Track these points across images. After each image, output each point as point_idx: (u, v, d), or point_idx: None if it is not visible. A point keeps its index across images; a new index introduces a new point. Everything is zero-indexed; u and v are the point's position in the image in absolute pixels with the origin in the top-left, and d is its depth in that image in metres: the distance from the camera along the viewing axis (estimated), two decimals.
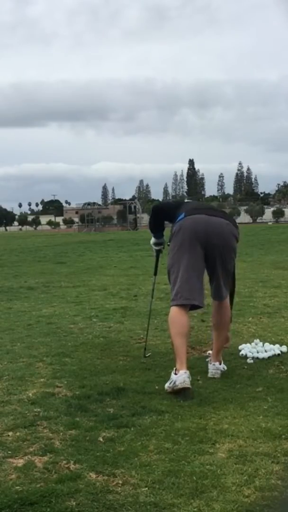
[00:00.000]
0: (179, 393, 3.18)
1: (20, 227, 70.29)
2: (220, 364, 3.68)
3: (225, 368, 3.69)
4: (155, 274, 4.24)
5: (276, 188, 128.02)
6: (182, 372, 3.24)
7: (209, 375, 3.61)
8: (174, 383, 3.22)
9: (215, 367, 3.65)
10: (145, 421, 2.85)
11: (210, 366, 3.67)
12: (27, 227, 69.83)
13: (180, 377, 3.21)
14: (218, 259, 3.52)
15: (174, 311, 3.46)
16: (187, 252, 3.46)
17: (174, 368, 3.32)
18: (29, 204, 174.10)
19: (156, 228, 3.99)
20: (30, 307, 6.55)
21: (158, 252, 4.09)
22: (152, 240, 4.06)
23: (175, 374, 3.26)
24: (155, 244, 4.05)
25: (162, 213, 3.93)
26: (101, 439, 2.64)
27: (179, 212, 3.63)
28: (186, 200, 4.17)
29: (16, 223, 73.60)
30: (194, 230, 3.47)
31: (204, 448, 2.51)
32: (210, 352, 4.07)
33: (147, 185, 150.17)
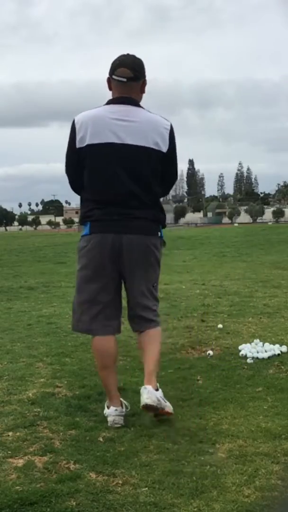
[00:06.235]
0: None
1: (20, 227, 70.23)
2: (156, 389, 2.76)
3: (161, 398, 2.76)
4: None
5: (276, 188, 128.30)
6: (113, 409, 2.80)
7: (142, 403, 2.68)
8: (108, 421, 2.79)
9: (147, 391, 2.71)
10: (145, 421, 2.85)
11: (142, 390, 2.74)
12: (27, 227, 69.78)
13: (110, 416, 2.79)
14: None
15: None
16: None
17: (107, 401, 2.90)
18: (29, 204, 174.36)
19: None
20: (30, 307, 6.55)
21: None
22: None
23: (107, 408, 2.85)
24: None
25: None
26: (101, 439, 2.64)
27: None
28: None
29: (16, 223, 73.54)
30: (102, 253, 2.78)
31: (204, 448, 2.51)
32: (210, 352, 4.08)
33: None
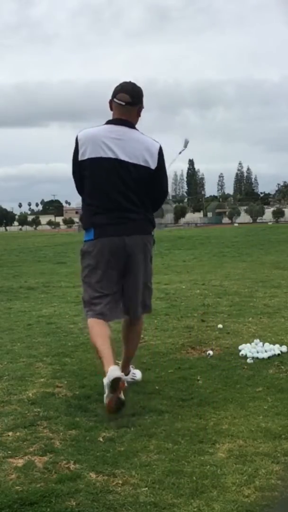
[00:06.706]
0: (112, 407, 2.84)
1: (20, 227, 70.29)
2: (127, 374, 3.44)
3: (136, 378, 3.52)
4: None
5: (276, 188, 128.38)
6: (112, 368, 2.87)
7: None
8: (108, 380, 2.83)
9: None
10: (145, 421, 2.85)
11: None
12: (27, 227, 69.84)
13: (111, 372, 2.83)
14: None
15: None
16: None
17: (104, 377, 2.90)
18: (29, 204, 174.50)
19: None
20: (30, 307, 6.55)
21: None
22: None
23: (106, 375, 2.88)
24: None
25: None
26: (101, 439, 2.64)
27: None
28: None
29: (16, 223, 73.58)
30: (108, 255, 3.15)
31: (204, 448, 2.51)
32: (210, 352, 4.08)
33: None
